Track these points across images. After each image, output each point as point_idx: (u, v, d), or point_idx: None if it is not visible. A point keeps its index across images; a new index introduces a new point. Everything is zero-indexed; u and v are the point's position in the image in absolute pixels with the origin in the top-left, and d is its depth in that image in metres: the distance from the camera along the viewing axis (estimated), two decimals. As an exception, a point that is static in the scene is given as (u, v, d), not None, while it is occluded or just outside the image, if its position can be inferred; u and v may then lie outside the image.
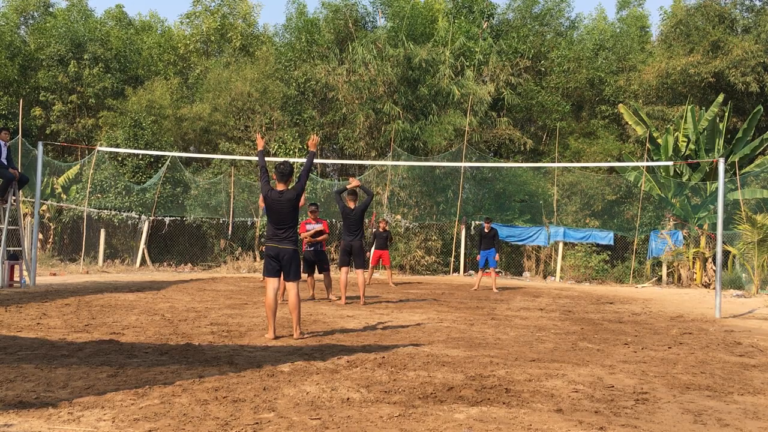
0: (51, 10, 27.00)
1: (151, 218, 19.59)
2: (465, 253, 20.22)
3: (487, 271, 14.47)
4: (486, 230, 14.17)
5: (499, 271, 19.66)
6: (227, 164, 20.88)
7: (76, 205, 19.65)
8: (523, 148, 23.01)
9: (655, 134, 20.68)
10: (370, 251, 15.61)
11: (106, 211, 19.39)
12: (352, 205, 10.30)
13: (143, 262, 19.05)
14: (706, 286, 17.66)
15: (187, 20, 28.23)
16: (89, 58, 23.31)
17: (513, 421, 3.82)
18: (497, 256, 14.40)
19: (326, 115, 23.57)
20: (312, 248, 11.00)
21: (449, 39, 22.82)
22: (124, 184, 19.78)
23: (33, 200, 14.88)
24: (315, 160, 7.58)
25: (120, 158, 20.57)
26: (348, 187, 10.38)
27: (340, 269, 10.64)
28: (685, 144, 20.28)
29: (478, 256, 14.47)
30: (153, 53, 26.43)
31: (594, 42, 26.57)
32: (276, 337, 6.67)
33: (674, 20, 23.92)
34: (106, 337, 6.38)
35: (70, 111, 23.71)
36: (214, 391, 4.33)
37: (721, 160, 10.65)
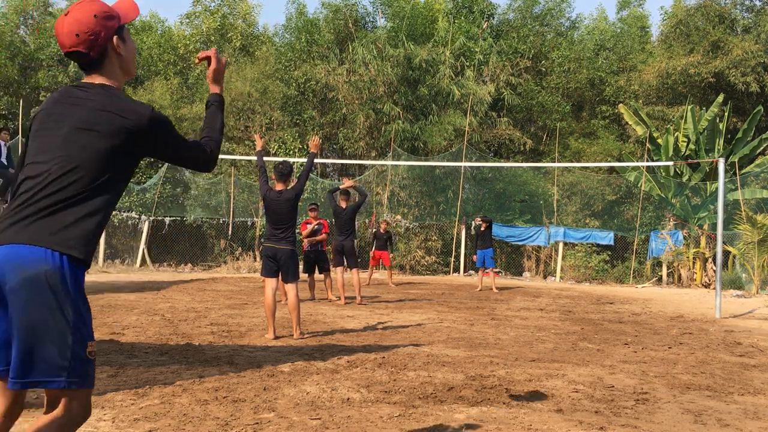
0: (50, 9, 27.01)
1: (151, 218, 19.60)
2: (465, 254, 20.22)
3: (486, 271, 14.41)
4: (482, 228, 14.10)
5: (499, 271, 19.65)
6: (227, 164, 20.88)
7: (76, 205, 19.64)
8: (523, 148, 23.01)
9: (655, 134, 20.68)
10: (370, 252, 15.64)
11: (106, 211, 19.38)
12: (343, 204, 10.30)
13: (143, 262, 19.05)
14: (706, 286, 17.66)
15: (187, 20, 28.24)
16: (89, 58, 23.30)
17: (513, 421, 3.82)
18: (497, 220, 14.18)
19: (326, 115, 23.57)
20: (312, 248, 11.01)
21: (449, 39, 22.82)
22: (124, 184, 19.77)
23: (33, 200, 14.86)
24: (315, 161, 7.57)
25: (120, 158, 20.56)
26: (341, 187, 10.39)
27: (335, 270, 10.63)
28: (685, 144, 20.28)
29: (475, 257, 14.39)
30: (153, 53, 26.43)
31: (594, 42, 26.58)
32: (276, 337, 6.67)
33: (674, 20, 23.92)
34: (106, 337, 6.38)
35: (70, 111, 23.70)
36: (214, 391, 4.33)
37: (721, 160, 10.64)
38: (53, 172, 2.00)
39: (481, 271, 14.49)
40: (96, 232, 2.04)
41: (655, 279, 19.05)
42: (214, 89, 2.48)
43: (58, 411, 1.92)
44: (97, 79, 2.19)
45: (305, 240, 10.94)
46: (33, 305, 1.87)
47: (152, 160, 20.49)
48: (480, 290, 14.06)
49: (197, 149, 2.29)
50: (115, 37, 2.20)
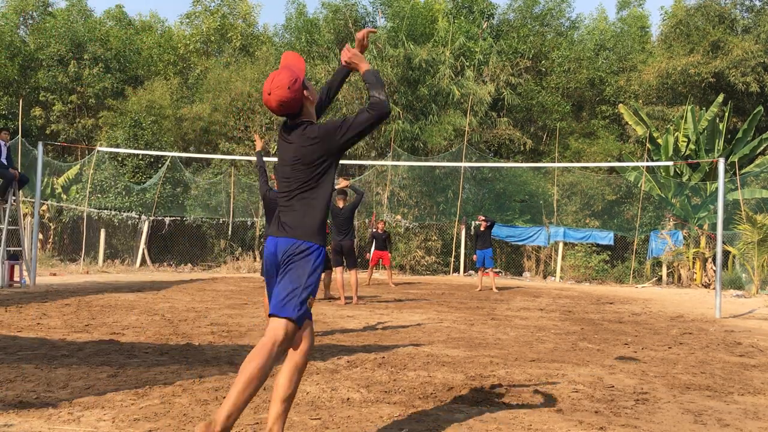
0: (50, 9, 27.01)
1: (151, 218, 19.59)
2: (465, 253, 20.22)
3: (486, 271, 14.40)
4: (482, 228, 14.09)
5: (499, 271, 19.65)
6: (227, 164, 20.88)
7: (76, 205, 19.65)
8: (523, 148, 23.02)
9: (655, 134, 20.69)
10: (369, 252, 15.63)
11: (106, 211, 19.39)
12: (341, 204, 10.29)
13: (143, 262, 19.05)
14: (706, 286, 17.66)
15: (187, 20, 28.27)
16: (89, 58, 23.31)
17: (513, 421, 3.82)
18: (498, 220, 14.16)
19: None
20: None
21: (449, 39, 22.83)
22: (124, 184, 19.77)
23: (33, 200, 14.88)
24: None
25: (120, 158, 20.57)
26: (337, 186, 10.38)
27: (334, 269, 10.63)
28: (685, 144, 20.29)
29: (475, 256, 14.38)
30: (153, 53, 26.44)
31: (594, 42, 26.59)
32: (276, 337, 6.65)
33: (674, 20, 23.93)
34: (106, 337, 6.38)
35: (70, 111, 23.71)
36: (214, 391, 4.33)
37: (721, 160, 10.65)
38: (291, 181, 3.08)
39: (481, 271, 14.48)
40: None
41: (655, 279, 19.05)
42: (364, 67, 3.25)
43: (303, 338, 2.99)
44: (300, 119, 3.11)
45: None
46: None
47: (152, 159, 20.54)
48: (480, 290, 14.05)
49: (362, 114, 3.02)
50: (304, 91, 3.07)
